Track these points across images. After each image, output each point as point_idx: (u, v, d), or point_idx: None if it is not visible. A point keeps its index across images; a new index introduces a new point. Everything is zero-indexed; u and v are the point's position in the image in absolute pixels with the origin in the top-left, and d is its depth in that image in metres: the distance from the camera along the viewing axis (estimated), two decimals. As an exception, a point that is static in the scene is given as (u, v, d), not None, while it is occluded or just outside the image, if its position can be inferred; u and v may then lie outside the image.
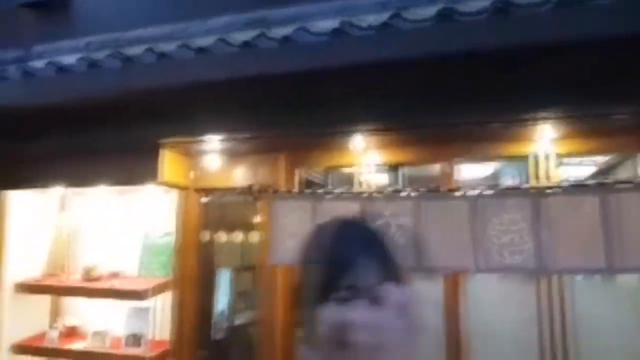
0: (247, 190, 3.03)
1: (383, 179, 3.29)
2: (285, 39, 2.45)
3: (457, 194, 2.49)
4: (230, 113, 2.76)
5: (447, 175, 2.78)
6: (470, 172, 2.96)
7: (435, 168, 3.07)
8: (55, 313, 3.75)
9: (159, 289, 3.29)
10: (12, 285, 3.45)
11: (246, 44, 2.52)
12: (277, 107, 2.70)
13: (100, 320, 3.42)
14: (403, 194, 2.63)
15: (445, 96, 2.36)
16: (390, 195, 2.66)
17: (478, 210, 2.46)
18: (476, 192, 2.48)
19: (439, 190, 2.56)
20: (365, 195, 2.75)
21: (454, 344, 2.68)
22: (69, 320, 3.53)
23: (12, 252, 3.42)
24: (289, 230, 2.87)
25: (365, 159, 2.98)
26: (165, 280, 3.36)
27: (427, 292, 2.91)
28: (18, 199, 3.48)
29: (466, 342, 2.68)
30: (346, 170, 3.31)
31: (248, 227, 3.24)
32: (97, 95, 2.83)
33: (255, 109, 2.73)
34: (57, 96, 2.90)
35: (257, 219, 3.14)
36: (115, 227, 3.67)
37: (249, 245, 3.23)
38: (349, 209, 2.76)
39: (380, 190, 2.75)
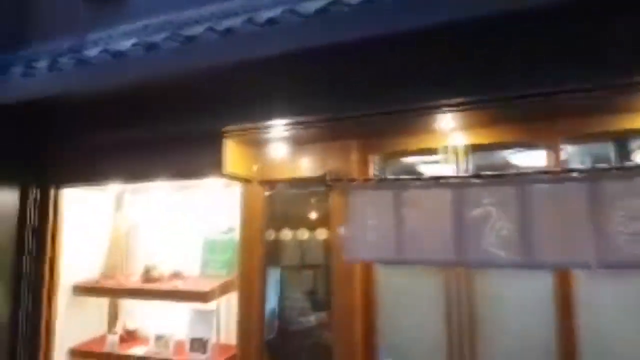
0: (320, 180, 2.74)
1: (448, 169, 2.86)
2: (364, 3, 2.16)
3: (574, 174, 2.12)
4: (298, 94, 2.49)
5: (553, 158, 2.41)
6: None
7: (501, 156, 2.74)
8: (113, 316, 3.58)
9: (223, 290, 3.05)
10: (70, 287, 3.28)
11: (318, 13, 2.25)
12: (351, 83, 2.41)
13: (161, 323, 3.21)
14: (505, 177, 2.28)
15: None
16: (490, 179, 2.31)
17: (600, 193, 2.09)
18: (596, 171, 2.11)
19: (550, 172, 2.20)
20: (459, 180, 2.42)
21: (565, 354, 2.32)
22: (128, 324, 3.34)
23: (69, 252, 3.24)
24: (369, 224, 2.57)
25: (450, 141, 2.64)
26: (229, 279, 3.11)
27: (534, 292, 2.61)
28: (73, 197, 3.31)
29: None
30: (407, 160, 2.97)
31: (317, 221, 2.96)
32: (155, 81, 2.63)
33: (327, 88, 2.45)
34: (112, 84, 2.72)
35: (329, 212, 2.84)
36: (175, 225, 3.47)
37: (319, 241, 2.94)
38: (439, 198, 2.44)
39: (477, 174, 2.40)
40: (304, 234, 2.98)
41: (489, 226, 2.32)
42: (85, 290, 3.29)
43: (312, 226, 2.98)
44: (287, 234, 3.02)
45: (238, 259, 2.97)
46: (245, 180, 2.98)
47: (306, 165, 2.92)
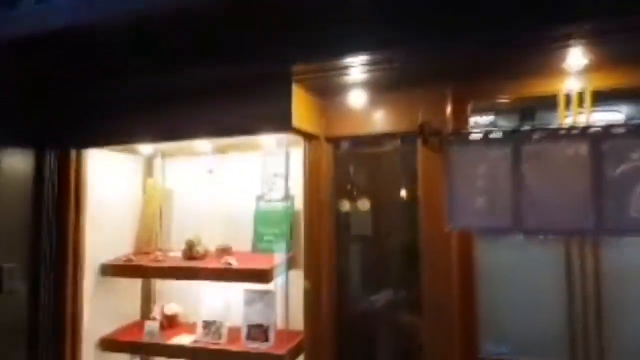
0: (410, 134, 2.24)
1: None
2: None
3: None
4: (386, 22, 1.97)
5: None
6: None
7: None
8: (146, 299, 3.10)
9: (282, 268, 2.58)
10: (97, 267, 2.79)
11: None
12: (458, 8, 1.89)
13: (205, 308, 2.73)
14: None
15: None
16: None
17: None
18: None
19: None
20: (599, 130, 1.93)
21: None
22: (169, 308, 2.86)
23: (94, 226, 2.74)
24: (479, 186, 2.08)
25: (575, 85, 2.14)
26: (289, 255, 2.64)
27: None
28: (97, 162, 2.79)
29: None
30: (521, 108, 2.47)
31: (400, 184, 2.47)
32: (200, 6, 2.07)
33: (423, 14, 1.93)
34: (147, 9, 2.14)
35: (415, 173, 2.35)
36: (218, 194, 2.96)
37: (401, 208, 2.46)
38: (573, 153, 1.95)
39: (623, 123, 1.92)
40: (382, 200, 2.50)
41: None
42: (116, 270, 2.80)
43: (392, 191, 2.50)
44: (361, 201, 2.53)
45: (303, 231, 2.49)
46: (311, 137, 2.47)
47: (387, 118, 2.42)
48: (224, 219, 2.96)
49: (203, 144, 2.81)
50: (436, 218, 2.22)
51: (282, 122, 2.24)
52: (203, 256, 2.74)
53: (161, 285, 3.10)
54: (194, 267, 2.61)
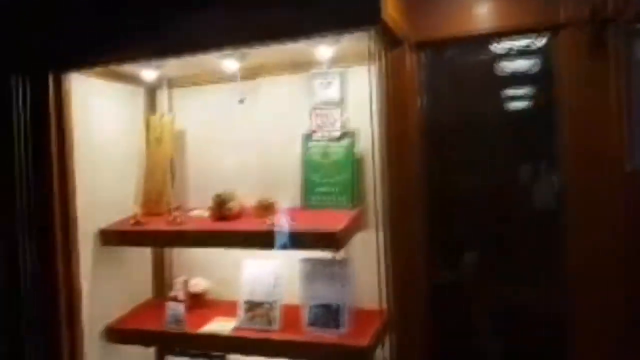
0: (578, 22, 1.52)
1: None
2: None
3: None
4: None
5: None
6: None
7: None
8: (159, 274, 2.40)
9: (350, 230, 1.90)
10: (94, 234, 2.07)
11: None
12: None
13: (245, 283, 2.05)
14: None
15: None
16: None
17: None
18: None
19: None
20: None
21: None
22: (195, 284, 2.17)
23: (86, 180, 2.00)
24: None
25: None
26: (356, 213, 1.96)
27: None
28: (88, 91, 2.04)
29: None
30: None
31: (525, 108, 1.78)
32: None
33: None
34: None
35: (551, 84, 1.65)
36: (247, 133, 2.24)
37: (530, 142, 1.78)
38: None
39: None
40: (496, 132, 1.81)
41: None
42: (121, 237, 2.09)
43: (511, 118, 1.81)
44: (464, 134, 1.83)
45: (372, 178, 1.79)
46: (394, 43, 1.75)
47: (505, 11, 1.71)
48: (258, 166, 2.24)
49: (225, 65, 2.04)
50: (592, 157, 1.55)
51: (360, 15, 1.51)
52: (238, 215, 2.04)
53: (179, 255, 2.39)
54: (231, 231, 1.91)
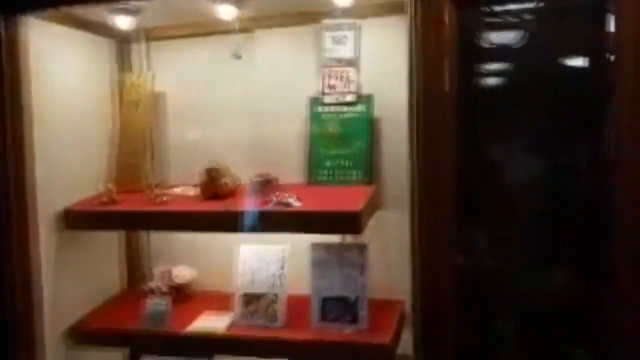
0: None
1: None
2: None
3: None
4: None
5: None
6: None
7: None
8: (133, 262, 2.06)
9: (368, 210, 1.62)
10: (56, 214, 1.71)
11: None
12: None
13: (242, 272, 1.74)
14: None
15: None
16: None
17: None
18: None
19: None
20: None
21: None
22: (179, 274, 1.85)
23: (46, 149, 1.64)
24: None
25: None
26: (372, 190, 1.69)
27: None
28: (47, 41, 1.67)
29: None
30: None
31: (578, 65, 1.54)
32: None
33: None
34: None
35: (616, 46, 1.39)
36: (242, 96, 1.91)
37: (580, 108, 1.53)
38: None
39: None
40: (542, 97, 1.55)
41: None
42: (89, 218, 1.73)
43: (559, 80, 1.55)
44: (506, 97, 1.58)
45: (412, 150, 1.50)
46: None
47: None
48: (253, 135, 1.93)
49: (218, 11, 1.69)
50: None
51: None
52: (231, 192, 1.73)
53: (157, 240, 2.05)
54: (230, 212, 1.58)
